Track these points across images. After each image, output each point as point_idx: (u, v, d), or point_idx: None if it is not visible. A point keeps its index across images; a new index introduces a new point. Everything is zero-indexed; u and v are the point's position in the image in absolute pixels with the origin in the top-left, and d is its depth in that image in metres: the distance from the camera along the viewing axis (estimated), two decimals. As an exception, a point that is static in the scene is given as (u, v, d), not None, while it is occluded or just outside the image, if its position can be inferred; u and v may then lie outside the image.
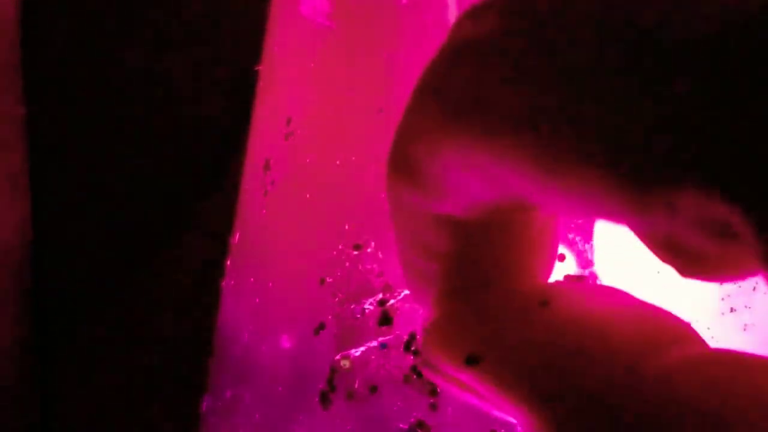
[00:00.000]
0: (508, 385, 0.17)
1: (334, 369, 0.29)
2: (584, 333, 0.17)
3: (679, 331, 0.17)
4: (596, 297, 0.18)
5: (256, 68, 0.34)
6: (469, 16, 0.17)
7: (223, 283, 0.35)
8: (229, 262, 0.34)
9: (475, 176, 0.17)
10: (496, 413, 0.19)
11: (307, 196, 0.31)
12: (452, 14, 0.29)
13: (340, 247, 0.30)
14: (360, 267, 0.29)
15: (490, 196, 0.17)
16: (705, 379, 0.16)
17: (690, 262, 0.15)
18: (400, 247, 0.20)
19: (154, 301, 0.47)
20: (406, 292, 0.29)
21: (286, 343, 0.31)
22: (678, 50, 0.14)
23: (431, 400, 0.28)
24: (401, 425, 0.28)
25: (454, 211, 0.18)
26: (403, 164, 0.19)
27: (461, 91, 0.16)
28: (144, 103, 0.47)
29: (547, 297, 0.18)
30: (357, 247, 0.29)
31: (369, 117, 0.30)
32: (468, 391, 0.19)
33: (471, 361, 0.18)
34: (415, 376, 0.28)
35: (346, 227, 0.30)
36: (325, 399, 0.29)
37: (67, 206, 0.47)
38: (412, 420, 0.28)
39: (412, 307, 0.29)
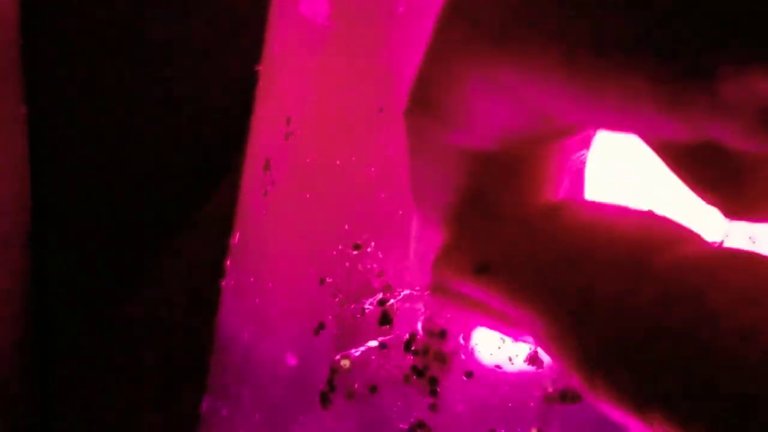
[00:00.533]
0: (519, 290, 0.17)
1: (334, 369, 0.29)
2: (591, 236, 0.17)
3: (684, 233, 0.17)
4: (602, 207, 0.19)
5: (256, 68, 0.34)
6: None
7: (223, 283, 0.35)
8: (229, 262, 0.34)
9: (501, 100, 0.17)
10: (508, 332, 0.19)
11: (307, 196, 0.31)
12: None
13: (340, 247, 0.30)
14: (360, 267, 0.29)
15: (515, 123, 0.17)
16: (707, 272, 0.16)
17: (736, 188, 0.15)
18: (414, 179, 0.20)
19: (154, 301, 0.47)
20: (407, 291, 0.29)
21: (286, 343, 0.31)
22: None
23: (431, 400, 0.28)
24: (401, 425, 0.28)
25: (473, 143, 0.18)
26: (425, 93, 0.18)
27: (489, 7, 0.16)
28: (144, 103, 0.47)
29: (554, 207, 0.18)
30: (357, 247, 0.29)
31: (369, 117, 0.30)
32: (478, 308, 0.19)
33: (480, 269, 0.18)
34: (415, 376, 0.28)
35: (346, 227, 0.30)
36: (325, 399, 0.29)
37: (67, 206, 0.47)
38: (412, 420, 0.28)
39: (412, 306, 0.29)
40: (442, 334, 0.28)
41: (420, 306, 0.29)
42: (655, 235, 0.17)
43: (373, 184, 0.30)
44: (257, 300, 0.32)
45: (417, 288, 0.29)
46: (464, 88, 0.17)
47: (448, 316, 0.28)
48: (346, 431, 0.29)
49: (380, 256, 0.29)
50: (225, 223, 0.35)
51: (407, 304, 0.29)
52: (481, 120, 0.18)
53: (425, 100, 0.18)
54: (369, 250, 0.29)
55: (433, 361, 0.28)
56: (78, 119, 0.47)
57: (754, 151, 0.15)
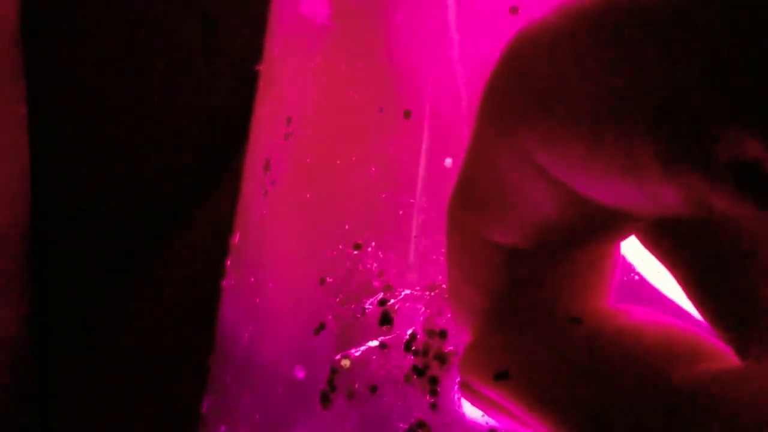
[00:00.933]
0: (536, 400, 0.17)
1: (334, 369, 0.29)
2: (612, 351, 0.17)
3: (709, 349, 0.17)
4: (627, 316, 0.18)
5: (256, 68, 0.34)
6: (521, 41, 0.17)
7: (223, 283, 0.35)
8: (229, 262, 0.34)
9: (538, 188, 0.17)
10: None
11: (307, 196, 0.31)
12: (452, 14, 0.29)
13: (340, 247, 0.30)
14: (360, 267, 0.29)
15: (551, 213, 0.17)
16: (728, 391, 0.16)
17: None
18: (451, 276, 0.20)
19: (154, 300, 0.47)
20: (407, 291, 0.29)
21: (286, 343, 0.31)
22: None
23: (431, 400, 0.28)
24: (401, 425, 0.28)
25: (512, 240, 0.18)
26: (468, 190, 0.18)
27: (522, 98, 0.16)
28: (144, 103, 0.47)
29: (579, 314, 0.18)
30: (357, 247, 0.29)
31: (369, 117, 0.30)
32: (500, 410, 0.19)
33: (499, 376, 0.18)
34: (415, 376, 0.28)
35: (346, 227, 0.30)
36: (325, 399, 0.29)
37: (67, 206, 0.47)
38: (412, 420, 0.28)
39: (413, 306, 0.29)
40: (443, 334, 0.28)
41: (420, 306, 0.29)
42: (679, 350, 0.17)
43: (373, 184, 0.30)
44: (257, 300, 0.32)
45: (417, 288, 0.29)
46: (504, 178, 0.17)
47: (449, 316, 0.28)
48: (346, 431, 0.29)
49: (381, 256, 0.29)
50: (225, 223, 0.35)
51: (407, 304, 0.29)
52: (520, 214, 0.18)
53: (468, 197, 0.18)
54: (369, 250, 0.29)
55: (433, 361, 0.28)
56: (78, 119, 0.47)
57: (748, 217, 0.15)
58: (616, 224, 0.18)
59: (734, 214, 0.15)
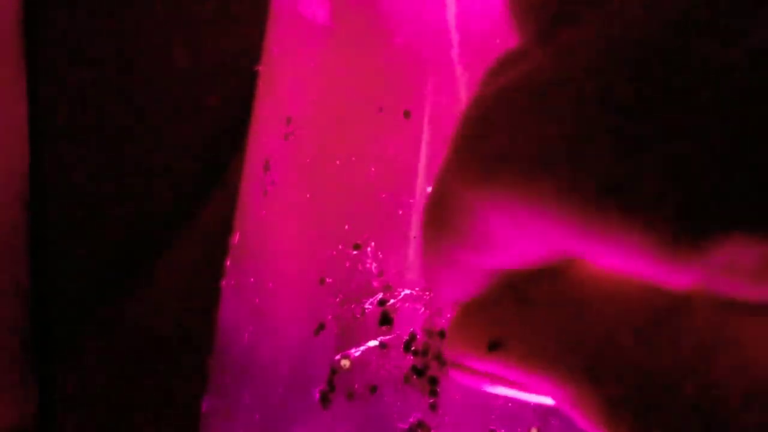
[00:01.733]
0: (535, 362, 0.17)
1: (334, 369, 0.29)
2: (599, 293, 0.17)
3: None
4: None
5: (256, 68, 0.34)
6: (497, 69, 0.17)
7: (223, 283, 0.35)
8: (229, 262, 0.34)
9: (517, 231, 0.17)
10: (528, 398, 0.19)
11: (307, 196, 0.31)
12: (452, 14, 0.29)
13: (340, 247, 0.30)
14: (360, 267, 0.29)
15: (534, 252, 0.17)
16: (717, 326, 0.16)
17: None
18: (427, 270, 0.20)
19: (154, 300, 0.47)
20: (407, 291, 0.29)
21: (286, 343, 0.31)
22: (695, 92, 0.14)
23: (431, 400, 0.28)
24: (401, 425, 0.28)
25: (495, 264, 0.18)
26: (439, 212, 0.18)
27: (498, 144, 0.17)
28: (143, 103, 0.47)
29: (559, 268, 0.18)
30: (357, 247, 0.29)
31: (369, 117, 0.30)
32: (496, 380, 0.19)
33: (493, 346, 0.18)
34: (415, 376, 0.28)
35: (346, 227, 0.30)
36: (325, 399, 0.29)
37: (67, 206, 0.47)
38: (412, 420, 0.28)
39: (412, 307, 0.29)
40: (442, 334, 0.28)
41: (419, 306, 0.29)
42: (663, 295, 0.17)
43: (373, 184, 0.30)
44: (257, 300, 0.32)
45: (417, 288, 0.29)
46: (481, 216, 0.17)
47: (448, 316, 0.28)
48: (346, 431, 0.29)
49: (380, 256, 0.29)
50: (225, 223, 0.35)
51: (407, 304, 0.29)
52: (500, 244, 0.18)
53: (440, 219, 0.18)
54: (369, 250, 0.29)
55: (433, 361, 0.28)
56: (78, 119, 0.47)
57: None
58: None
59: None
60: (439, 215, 0.18)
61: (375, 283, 0.29)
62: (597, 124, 0.15)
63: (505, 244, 0.17)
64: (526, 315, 0.18)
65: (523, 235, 0.17)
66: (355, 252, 0.30)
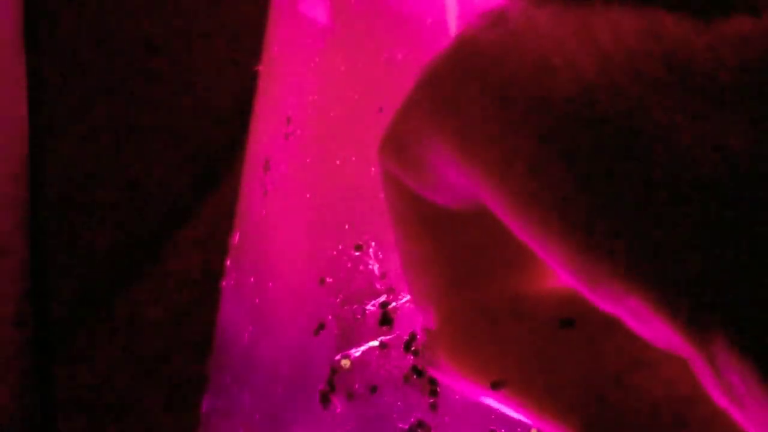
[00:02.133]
0: (538, 403, 0.17)
1: (334, 369, 0.29)
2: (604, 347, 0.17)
3: None
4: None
5: (256, 68, 0.34)
6: (479, 23, 0.17)
7: (223, 283, 0.35)
8: (229, 262, 0.34)
9: (462, 179, 0.17)
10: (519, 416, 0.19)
11: (307, 196, 0.31)
12: (452, 14, 0.29)
13: (340, 247, 0.30)
14: (361, 267, 0.29)
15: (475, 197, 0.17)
16: None
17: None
18: (399, 240, 0.20)
19: (154, 300, 0.47)
20: (408, 297, 0.29)
21: (286, 343, 0.31)
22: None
23: (431, 400, 0.28)
24: (401, 425, 0.28)
25: (446, 202, 0.18)
26: (398, 139, 0.18)
27: (466, 109, 0.16)
28: (143, 104, 0.47)
29: (567, 314, 0.18)
30: (358, 248, 0.29)
31: (369, 117, 0.30)
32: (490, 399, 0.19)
33: (496, 385, 0.18)
34: (415, 376, 0.28)
35: (346, 227, 0.30)
36: (325, 399, 0.29)
37: (67, 206, 0.47)
38: (412, 420, 0.28)
39: (412, 307, 0.29)
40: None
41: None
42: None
43: (373, 184, 0.30)
44: (257, 300, 0.32)
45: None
46: (429, 154, 0.17)
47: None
48: (346, 431, 0.29)
49: (381, 256, 0.29)
50: (225, 223, 0.35)
51: (408, 305, 0.29)
52: (449, 184, 0.17)
53: (397, 146, 0.18)
54: (370, 250, 0.29)
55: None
56: (78, 119, 0.47)
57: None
58: None
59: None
60: (398, 140, 0.18)
61: (375, 284, 0.29)
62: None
63: (449, 183, 0.17)
64: (524, 349, 0.18)
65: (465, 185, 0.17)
66: (356, 253, 0.30)
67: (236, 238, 0.34)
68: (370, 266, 0.29)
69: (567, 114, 0.14)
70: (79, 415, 0.47)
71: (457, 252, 0.18)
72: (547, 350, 0.17)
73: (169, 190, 0.47)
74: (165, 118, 0.47)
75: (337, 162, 0.30)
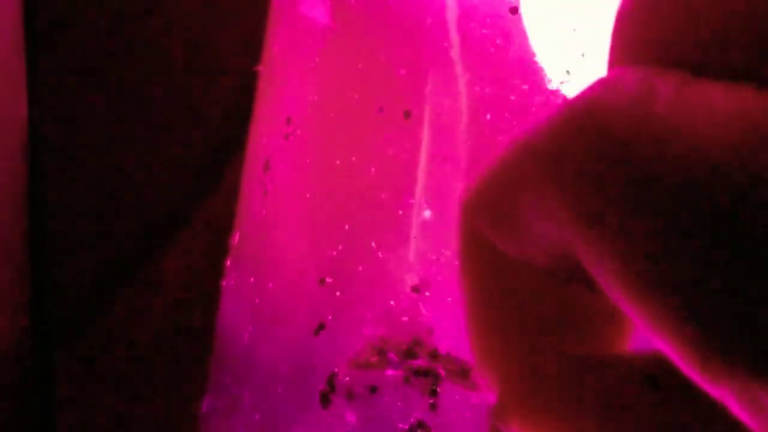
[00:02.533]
0: None
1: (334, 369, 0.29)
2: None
3: None
4: None
5: (256, 68, 0.34)
6: (609, 94, 0.16)
7: (223, 283, 0.35)
8: (229, 262, 0.34)
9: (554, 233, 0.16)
10: None
11: (307, 196, 0.31)
12: (452, 14, 0.29)
13: (340, 247, 0.30)
14: (361, 267, 0.29)
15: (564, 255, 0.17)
16: None
17: None
18: (472, 298, 0.19)
19: (154, 300, 0.47)
20: (407, 292, 0.29)
21: (286, 343, 0.31)
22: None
23: (431, 400, 0.28)
24: (401, 425, 0.28)
25: (535, 260, 0.17)
26: (492, 208, 0.18)
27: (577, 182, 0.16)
28: (143, 103, 0.47)
29: (651, 372, 0.17)
30: (358, 249, 0.29)
31: (369, 117, 0.30)
32: None
33: None
34: (415, 377, 0.28)
35: (346, 227, 0.30)
36: (325, 399, 0.29)
37: (66, 206, 0.47)
38: (412, 420, 0.28)
39: (412, 307, 0.29)
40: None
41: (420, 308, 0.29)
42: None
43: (373, 184, 0.30)
44: (257, 300, 0.32)
45: (417, 288, 0.29)
46: (522, 207, 0.17)
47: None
48: (346, 431, 0.29)
49: (380, 256, 0.29)
50: (225, 223, 0.35)
51: (407, 305, 0.29)
52: (543, 237, 0.17)
53: (493, 207, 0.17)
54: (369, 250, 0.29)
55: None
56: (78, 119, 0.47)
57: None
58: None
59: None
60: (486, 193, 0.17)
61: (375, 284, 0.29)
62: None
63: (543, 236, 0.17)
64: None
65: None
66: (356, 253, 0.30)
67: (236, 238, 0.34)
68: (370, 266, 0.29)
69: (720, 208, 0.14)
70: (78, 414, 0.47)
71: (538, 309, 0.18)
72: (629, 411, 0.17)
73: (169, 189, 0.47)
74: (165, 118, 0.47)
75: (337, 162, 0.30)
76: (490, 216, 0.17)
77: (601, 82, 0.16)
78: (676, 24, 0.15)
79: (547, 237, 0.16)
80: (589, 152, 0.15)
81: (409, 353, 0.28)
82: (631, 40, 0.16)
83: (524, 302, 0.18)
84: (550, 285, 0.18)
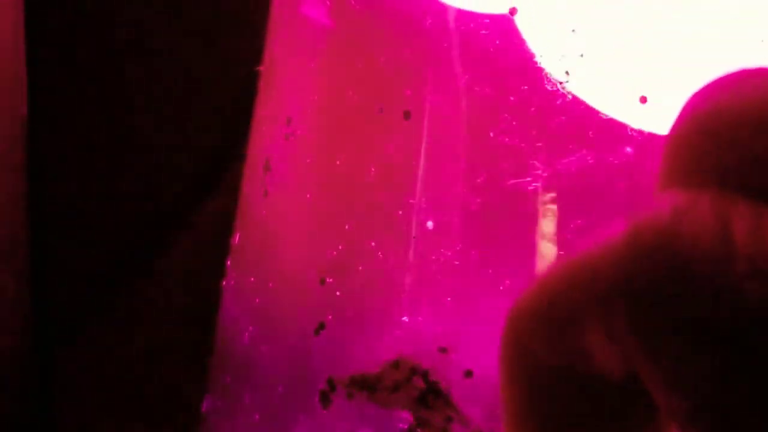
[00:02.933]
0: None
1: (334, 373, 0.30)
2: None
3: None
4: None
5: (257, 68, 0.34)
6: (657, 216, 0.16)
7: (223, 283, 0.35)
8: (229, 262, 0.34)
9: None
10: None
11: (307, 196, 0.31)
12: (452, 15, 0.29)
13: (340, 247, 0.30)
14: (360, 267, 0.29)
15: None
16: None
17: None
18: (519, 410, 0.19)
19: (154, 301, 0.47)
20: (407, 292, 0.29)
21: (286, 343, 0.31)
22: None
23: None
24: (401, 425, 0.28)
25: (584, 370, 0.17)
26: (544, 326, 0.18)
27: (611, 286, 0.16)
28: (144, 104, 0.47)
29: None
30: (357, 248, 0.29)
31: (369, 117, 0.30)
32: None
33: None
34: (415, 377, 0.28)
35: (346, 227, 0.30)
36: (325, 399, 0.29)
37: (67, 206, 0.47)
38: (412, 420, 0.28)
39: (412, 308, 0.29)
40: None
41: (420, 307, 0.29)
42: None
43: (373, 184, 0.30)
44: (257, 300, 0.32)
45: (416, 289, 0.29)
46: (580, 325, 0.17)
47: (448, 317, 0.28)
48: (346, 431, 0.29)
49: (380, 256, 0.29)
50: (225, 223, 0.35)
51: (407, 305, 0.29)
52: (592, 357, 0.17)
53: (545, 325, 0.17)
54: (369, 250, 0.29)
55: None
56: (78, 119, 0.47)
57: None
58: None
59: None
60: (543, 312, 0.17)
61: (375, 284, 0.29)
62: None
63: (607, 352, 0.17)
64: None
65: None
66: (356, 253, 0.30)
67: (236, 238, 0.34)
68: (370, 266, 0.29)
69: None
70: (78, 414, 0.47)
71: (587, 417, 0.18)
72: None
73: (169, 190, 0.47)
74: (165, 118, 0.47)
75: (337, 162, 0.30)
76: (544, 332, 0.17)
77: (669, 206, 0.16)
78: (739, 150, 0.15)
79: (605, 351, 0.17)
80: (662, 281, 0.15)
81: (422, 401, 0.28)
82: (689, 162, 0.16)
83: (571, 412, 0.18)
84: (593, 388, 0.18)
